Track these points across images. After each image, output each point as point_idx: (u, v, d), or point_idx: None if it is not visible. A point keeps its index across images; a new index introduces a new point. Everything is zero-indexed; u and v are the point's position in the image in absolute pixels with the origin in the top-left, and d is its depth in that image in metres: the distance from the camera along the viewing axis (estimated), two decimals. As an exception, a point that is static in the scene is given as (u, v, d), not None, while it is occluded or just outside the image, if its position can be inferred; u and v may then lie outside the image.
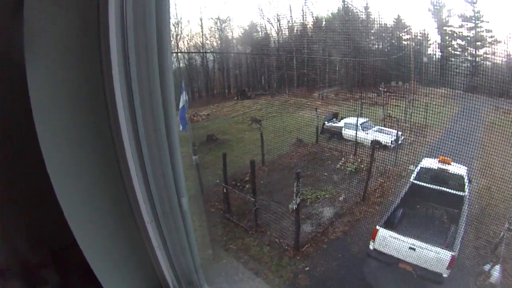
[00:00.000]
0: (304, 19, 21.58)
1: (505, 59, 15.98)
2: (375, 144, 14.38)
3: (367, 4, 18.93)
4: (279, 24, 22.74)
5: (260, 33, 24.26)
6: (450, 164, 10.99)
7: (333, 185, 13.62)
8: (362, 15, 19.90)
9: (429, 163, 11.59)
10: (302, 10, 21.99)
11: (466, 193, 10.55)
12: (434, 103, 14.76)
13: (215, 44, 26.44)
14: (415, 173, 11.52)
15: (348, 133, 16.65)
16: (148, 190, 2.15)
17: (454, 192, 10.66)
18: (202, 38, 25.52)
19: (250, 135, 18.48)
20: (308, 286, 9.50)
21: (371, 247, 9.70)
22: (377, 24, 20.24)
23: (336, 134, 17.32)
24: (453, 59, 17.90)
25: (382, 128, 16.30)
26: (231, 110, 23.73)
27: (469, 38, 17.49)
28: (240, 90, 25.76)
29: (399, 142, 14.95)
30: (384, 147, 15.11)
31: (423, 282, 9.05)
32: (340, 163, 15.06)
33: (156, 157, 2.12)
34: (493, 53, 16.81)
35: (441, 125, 13.32)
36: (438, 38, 18.21)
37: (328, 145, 17.13)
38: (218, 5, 25.77)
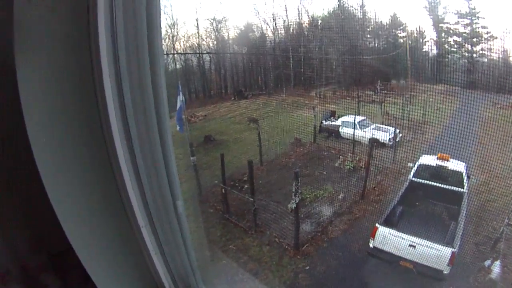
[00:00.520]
0: (300, 18, 21.58)
1: (502, 55, 15.99)
2: (373, 142, 14.37)
3: (362, 2, 18.93)
4: (275, 24, 22.77)
5: (256, 33, 24.28)
6: (449, 161, 11.00)
7: (332, 184, 13.61)
8: (358, 13, 19.89)
9: (428, 160, 11.58)
10: (298, 10, 22.01)
11: (465, 189, 10.56)
12: (431, 100, 14.79)
13: (211, 44, 26.47)
14: (414, 170, 11.52)
15: (346, 131, 16.67)
16: (142, 194, 2.12)
17: (453, 188, 10.66)
18: (198, 39, 25.53)
19: (248, 135, 18.50)
20: (309, 285, 9.49)
21: (371, 245, 9.70)
22: (373, 22, 20.24)
23: (334, 132, 17.35)
24: (449, 56, 17.94)
25: (380, 126, 16.31)
26: (228, 110, 23.75)
27: (465, 35, 17.51)
28: (237, 90, 25.79)
29: (397, 139, 14.96)
30: (382, 145, 15.12)
31: (424, 279, 9.05)
32: (339, 162, 15.07)
33: (149, 160, 2.10)
34: (490, 49, 16.82)
35: (439, 122, 13.32)
36: (434, 35, 18.22)
37: (326, 144, 17.15)
38: (213, 6, 25.80)
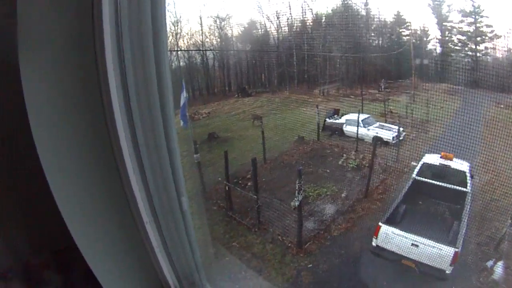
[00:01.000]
0: (304, 15, 21.54)
1: (506, 54, 15.95)
2: (377, 140, 14.34)
3: (366, 0, 18.87)
4: (279, 21, 22.71)
5: (259, 30, 24.24)
6: (452, 160, 10.97)
7: (335, 182, 13.60)
8: (361, 11, 19.84)
9: (431, 159, 11.56)
10: (302, 7, 21.99)
11: (469, 188, 10.52)
12: (435, 98, 14.74)
13: (214, 42, 26.44)
14: (417, 169, 11.50)
15: (349, 129, 16.65)
16: (147, 190, 2.12)
17: (456, 187, 10.63)
18: (202, 36, 25.50)
19: (251, 133, 18.49)
20: (312, 283, 9.49)
21: (374, 243, 9.68)
22: (377, 20, 20.20)
23: (338, 130, 17.32)
24: (453, 54, 17.88)
25: (384, 124, 16.28)
26: (232, 108, 23.73)
27: (469, 33, 17.46)
28: (241, 87, 25.76)
29: (401, 138, 14.93)
30: (386, 143, 15.10)
31: (426, 278, 9.04)
32: (342, 160, 15.05)
33: (154, 156, 2.10)
34: (494, 48, 16.77)
35: (443, 121, 13.28)
36: (438, 34, 18.18)
37: (329, 142, 17.12)
38: (217, 3, 25.77)
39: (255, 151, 16.04)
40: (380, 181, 13.35)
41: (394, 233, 9.36)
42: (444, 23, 17.87)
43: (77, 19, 1.69)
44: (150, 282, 2.44)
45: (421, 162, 11.63)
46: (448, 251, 8.62)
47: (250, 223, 11.74)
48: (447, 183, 10.80)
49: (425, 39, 18.77)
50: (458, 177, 10.85)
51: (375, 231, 9.64)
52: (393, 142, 15.00)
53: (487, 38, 17.06)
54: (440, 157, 11.20)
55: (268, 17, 23.48)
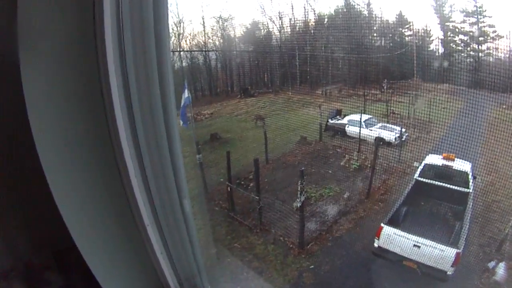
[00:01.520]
0: (306, 16, 21.57)
1: (508, 54, 15.94)
2: (379, 141, 14.34)
3: (369, 0, 18.90)
4: (281, 22, 22.77)
5: (262, 31, 24.28)
6: (454, 161, 10.97)
7: (338, 183, 13.60)
8: (364, 11, 19.86)
9: (434, 159, 11.56)
10: (304, 8, 21.99)
11: (471, 189, 10.51)
12: (437, 99, 14.75)
13: (217, 42, 26.50)
14: (419, 169, 11.49)
15: (352, 130, 16.66)
16: (148, 192, 2.11)
17: (459, 188, 10.62)
18: (205, 37, 25.59)
19: (254, 133, 18.52)
20: (313, 284, 9.49)
21: (375, 244, 9.68)
22: (379, 20, 20.22)
23: (340, 131, 17.34)
24: (456, 55, 17.89)
25: (386, 124, 16.30)
26: (234, 108, 23.78)
27: (471, 34, 17.47)
28: (243, 88, 25.83)
29: (403, 138, 14.95)
30: (388, 144, 15.12)
31: (428, 279, 9.03)
32: (344, 161, 15.06)
33: (156, 158, 2.08)
34: (496, 49, 16.77)
35: (445, 121, 13.28)
36: (440, 34, 18.19)
37: (332, 143, 17.14)
38: (220, 4, 25.87)
39: (257, 151, 16.07)
40: (382, 182, 13.35)
41: (396, 234, 9.35)
42: (446, 23, 17.87)
43: (78, 19, 1.68)
44: (151, 284, 2.43)
45: (423, 163, 11.63)
46: (450, 252, 8.61)
47: (252, 224, 11.74)
48: (449, 184, 10.79)
49: (427, 39, 18.78)
50: (461, 178, 10.85)
51: (377, 232, 9.63)
52: (396, 142, 15.02)
53: (489, 38, 17.07)
54: (443, 158, 11.19)
55: (271, 18, 23.54)
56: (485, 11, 16.69)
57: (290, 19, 22.47)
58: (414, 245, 9.04)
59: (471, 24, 17.13)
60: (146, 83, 1.90)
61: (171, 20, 22.63)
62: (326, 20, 21.81)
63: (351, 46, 18.84)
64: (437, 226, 10.32)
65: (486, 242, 10.03)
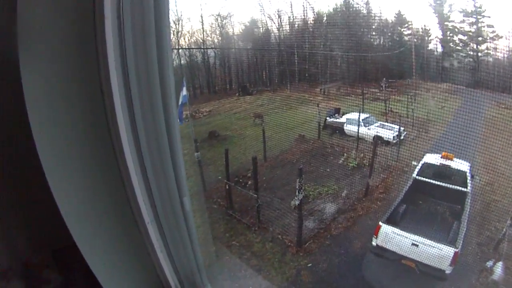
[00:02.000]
0: (305, 14, 21.56)
1: (507, 54, 15.97)
2: (377, 139, 14.33)
3: (367, -1, 18.91)
4: (280, 20, 22.76)
5: (261, 29, 24.29)
6: (453, 160, 10.99)
7: (336, 181, 13.61)
8: (363, 10, 19.87)
9: (432, 158, 11.57)
10: (303, 6, 21.99)
11: (469, 189, 10.53)
12: (436, 98, 14.77)
13: (216, 40, 26.48)
14: (418, 168, 11.50)
15: (350, 128, 16.68)
16: (148, 190, 2.11)
17: (457, 188, 10.64)
18: (203, 35, 25.57)
19: (252, 131, 18.52)
20: (311, 282, 9.50)
21: (373, 243, 9.69)
22: (378, 19, 20.23)
23: (338, 129, 17.35)
24: (454, 55, 17.91)
25: (384, 123, 16.31)
26: (233, 106, 23.79)
27: (470, 33, 17.47)
28: (242, 86, 25.81)
29: (401, 137, 14.95)
30: (387, 142, 15.12)
31: (426, 278, 9.04)
32: (343, 159, 15.06)
33: (156, 156, 2.08)
34: (495, 49, 16.79)
35: (444, 120, 13.30)
36: (439, 33, 18.20)
37: (330, 141, 17.14)
38: (218, 2, 25.81)
39: (255, 149, 16.06)
40: (380, 181, 13.35)
41: (394, 233, 9.36)
42: (445, 23, 17.88)
43: (79, 18, 1.67)
44: (150, 282, 2.43)
45: (421, 162, 11.65)
46: (448, 251, 8.62)
47: (250, 222, 11.75)
48: (447, 183, 10.82)
49: (426, 38, 18.79)
50: (459, 177, 10.87)
51: (375, 230, 9.64)
52: (394, 141, 15.02)
53: (488, 38, 17.08)
54: (441, 157, 11.21)
55: (270, 15, 23.53)
56: (484, 11, 16.71)
57: (289, 17, 22.50)
58: (412, 244, 9.05)
59: (470, 24, 17.14)
60: (147, 82, 1.89)
61: (170, 18, 22.61)
62: (325, 18, 21.82)
63: (350, 45, 18.85)
64: (435, 225, 10.34)
65: (484, 241, 10.05)
